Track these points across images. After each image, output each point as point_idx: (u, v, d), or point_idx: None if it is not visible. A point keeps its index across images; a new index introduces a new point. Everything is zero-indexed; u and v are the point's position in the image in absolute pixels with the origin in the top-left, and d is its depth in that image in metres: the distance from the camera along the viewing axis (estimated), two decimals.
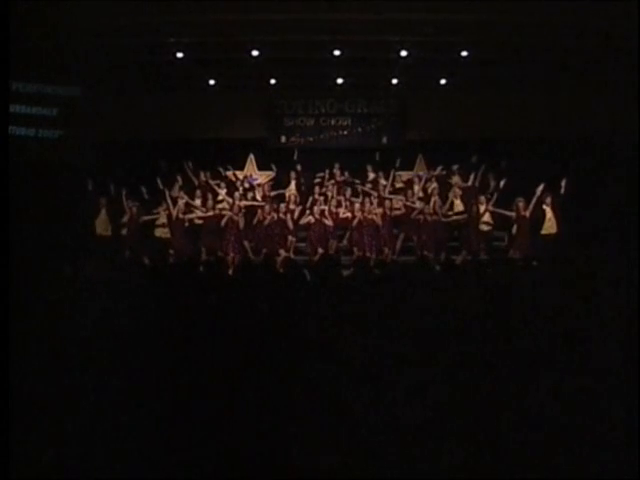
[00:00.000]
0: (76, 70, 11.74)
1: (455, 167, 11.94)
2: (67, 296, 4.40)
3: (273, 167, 12.98)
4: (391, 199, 11.41)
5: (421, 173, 12.71)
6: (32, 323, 3.69)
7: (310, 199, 11.59)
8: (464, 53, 10.85)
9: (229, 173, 12.84)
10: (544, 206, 10.60)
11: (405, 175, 12.94)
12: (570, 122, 12.29)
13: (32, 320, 3.74)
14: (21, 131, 11.78)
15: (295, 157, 12.73)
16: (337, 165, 12.54)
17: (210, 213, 10.89)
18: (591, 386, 3.22)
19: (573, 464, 2.93)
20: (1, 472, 2.80)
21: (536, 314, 3.81)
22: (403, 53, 10.72)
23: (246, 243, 10.81)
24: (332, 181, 12.28)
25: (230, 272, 9.14)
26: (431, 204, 11.00)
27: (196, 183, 11.98)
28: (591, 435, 3.03)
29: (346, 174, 12.51)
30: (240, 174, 13.01)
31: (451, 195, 11.43)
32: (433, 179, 12.08)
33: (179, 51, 10.67)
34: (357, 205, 11.17)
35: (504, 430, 3.05)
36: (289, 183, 12.24)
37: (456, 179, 11.73)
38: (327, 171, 12.52)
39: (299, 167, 12.52)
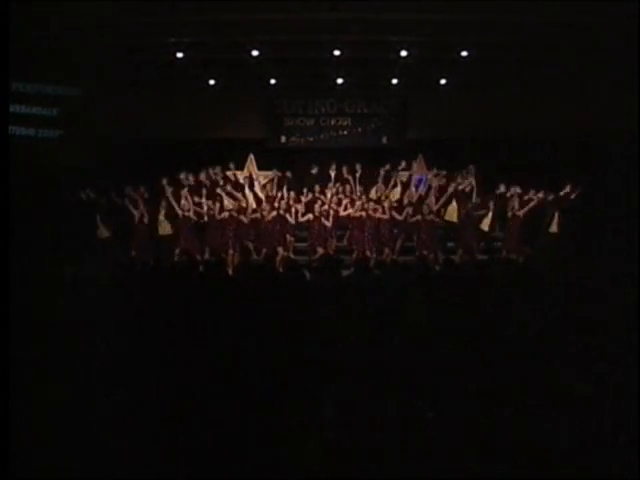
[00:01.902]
0: (76, 70, 11.75)
1: (471, 167, 11.94)
2: (66, 297, 4.40)
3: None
4: (390, 199, 11.42)
5: (418, 176, 12.75)
6: (31, 323, 3.69)
7: (310, 198, 11.61)
8: (464, 53, 10.85)
9: (229, 173, 12.85)
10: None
11: (405, 176, 12.92)
12: (570, 122, 12.29)
13: (31, 320, 3.74)
14: (21, 131, 11.79)
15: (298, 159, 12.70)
16: (334, 165, 12.51)
17: (210, 212, 10.92)
18: (591, 386, 3.22)
19: (573, 464, 2.93)
20: (1, 472, 2.80)
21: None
22: (403, 53, 10.72)
23: (247, 243, 10.84)
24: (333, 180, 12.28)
25: (230, 272, 9.15)
26: (425, 206, 11.02)
27: (192, 183, 11.98)
28: (591, 435, 3.03)
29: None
30: (240, 174, 13.01)
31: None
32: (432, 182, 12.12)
33: (179, 51, 10.66)
34: (357, 203, 11.17)
35: (505, 429, 3.05)
36: (289, 183, 12.23)
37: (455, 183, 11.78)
38: (334, 171, 12.51)
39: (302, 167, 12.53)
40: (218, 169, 12.09)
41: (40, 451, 3.00)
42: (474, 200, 11.39)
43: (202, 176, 11.96)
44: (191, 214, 10.80)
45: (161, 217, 10.89)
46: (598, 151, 11.96)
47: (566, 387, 3.22)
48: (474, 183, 11.83)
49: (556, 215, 10.56)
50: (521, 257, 10.27)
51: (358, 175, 12.26)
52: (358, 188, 11.92)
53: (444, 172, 12.65)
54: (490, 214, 10.89)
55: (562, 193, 10.61)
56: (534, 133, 12.59)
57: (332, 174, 12.32)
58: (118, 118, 12.54)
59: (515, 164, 12.27)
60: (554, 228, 10.54)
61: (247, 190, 12.20)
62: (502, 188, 11.11)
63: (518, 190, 10.72)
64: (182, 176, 11.69)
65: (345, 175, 12.27)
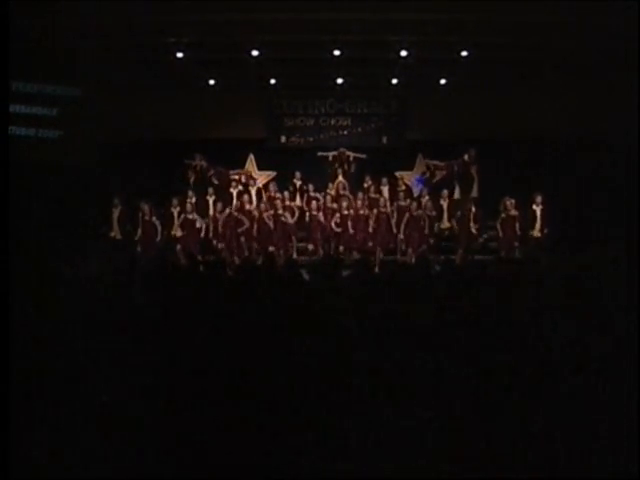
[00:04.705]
0: (76, 70, 11.75)
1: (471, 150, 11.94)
2: (66, 296, 4.41)
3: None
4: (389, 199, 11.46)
5: (417, 176, 12.78)
6: (30, 323, 3.70)
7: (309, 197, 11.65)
8: (464, 53, 10.85)
9: (231, 173, 12.86)
10: (534, 206, 10.62)
11: (405, 176, 12.95)
12: (570, 122, 12.29)
13: (30, 321, 3.74)
14: (21, 131, 11.79)
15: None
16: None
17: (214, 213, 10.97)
18: (591, 386, 3.22)
19: (573, 464, 2.93)
20: (1, 472, 2.80)
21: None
22: (403, 53, 10.72)
23: (246, 243, 10.86)
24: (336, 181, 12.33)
25: (231, 272, 9.15)
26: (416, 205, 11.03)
27: (192, 181, 12.03)
28: (591, 436, 3.04)
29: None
30: (239, 174, 13.02)
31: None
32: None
33: (179, 51, 10.67)
34: (355, 204, 11.18)
35: (501, 431, 3.05)
36: (289, 183, 12.26)
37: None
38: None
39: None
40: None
41: (39, 452, 3.00)
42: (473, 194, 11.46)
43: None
44: (194, 215, 10.81)
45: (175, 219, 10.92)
46: (598, 151, 11.96)
47: (566, 387, 3.22)
48: (475, 172, 11.88)
49: (538, 219, 10.57)
50: (518, 256, 10.28)
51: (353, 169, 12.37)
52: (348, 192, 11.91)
53: (442, 164, 12.65)
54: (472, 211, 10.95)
55: (549, 196, 10.63)
56: (534, 133, 12.59)
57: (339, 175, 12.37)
58: (118, 118, 12.54)
59: (515, 164, 12.27)
60: (536, 232, 10.57)
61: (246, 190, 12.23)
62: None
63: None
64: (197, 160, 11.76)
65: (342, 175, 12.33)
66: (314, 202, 11.19)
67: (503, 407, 3.11)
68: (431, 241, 10.80)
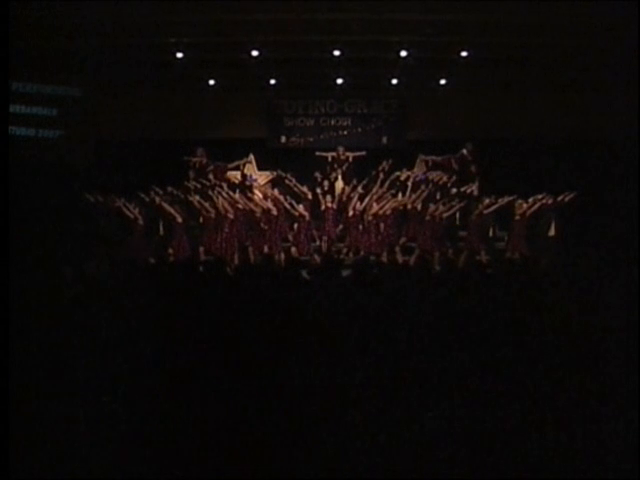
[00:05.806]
0: (76, 70, 11.75)
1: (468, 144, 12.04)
2: (66, 296, 4.41)
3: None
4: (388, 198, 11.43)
5: (419, 175, 12.76)
6: (31, 323, 3.70)
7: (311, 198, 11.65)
8: (464, 53, 10.85)
9: (230, 173, 12.86)
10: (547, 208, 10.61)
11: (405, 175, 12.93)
12: (570, 122, 12.29)
13: (31, 320, 3.74)
14: (21, 131, 11.78)
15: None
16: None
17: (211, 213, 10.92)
18: (592, 387, 3.22)
19: (573, 464, 2.93)
20: (1, 472, 2.80)
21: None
22: (403, 53, 10.71)
23: (247, 243, 10.83)
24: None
25: (229, 272, 9.12)
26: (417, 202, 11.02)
27: (191, 179, 12.04)
28: (592, 436, 3.04)
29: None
30: (239, 174, 13.01)
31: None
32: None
33: (179, 51, 10.66)
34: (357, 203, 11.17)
35: (504, 432, 3.05)
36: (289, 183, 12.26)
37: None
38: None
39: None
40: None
41: (39, 452, 3.00)
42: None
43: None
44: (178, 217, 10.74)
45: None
46: (598, 152, 11.96)
47: (567, 388, 3.22)
48: (475, 169, 11.88)
49: (553, 218, 10.57)
50: (524, 258, 10.24)
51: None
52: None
53: (440, 158, 12.67)
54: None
55: (559, 198, 10.59)
56: (534, 134, 12.59)
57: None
58: (118, 118, 12.55)
59: (515, 165, 12.27)
60: (552, 231, 10.54)
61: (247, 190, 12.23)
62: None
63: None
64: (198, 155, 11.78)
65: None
66: (309, 202, 11.19)
67: (503, 407, 3.11)
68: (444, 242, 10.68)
